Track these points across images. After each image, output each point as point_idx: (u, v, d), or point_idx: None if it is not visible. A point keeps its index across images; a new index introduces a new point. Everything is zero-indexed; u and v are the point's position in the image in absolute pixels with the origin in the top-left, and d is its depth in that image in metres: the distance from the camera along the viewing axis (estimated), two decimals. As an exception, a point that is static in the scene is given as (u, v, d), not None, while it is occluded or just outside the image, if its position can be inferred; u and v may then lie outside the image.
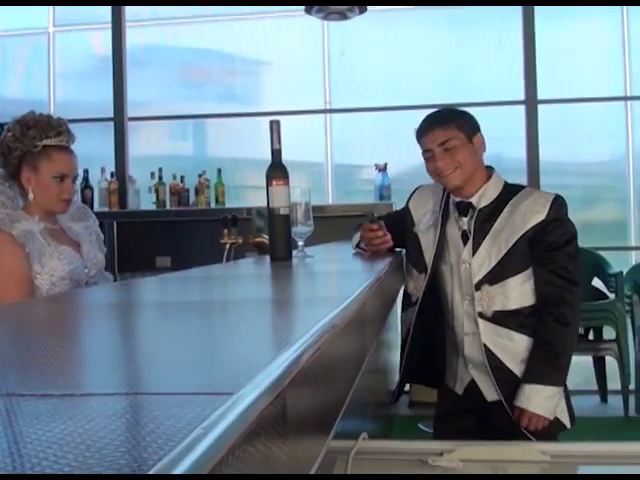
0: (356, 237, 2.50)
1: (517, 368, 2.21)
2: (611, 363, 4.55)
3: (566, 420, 2.26)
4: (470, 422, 2.32)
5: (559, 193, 2.27)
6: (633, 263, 5.15)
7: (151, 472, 0.36)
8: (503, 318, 2.21)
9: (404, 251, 2.52)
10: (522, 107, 5.18)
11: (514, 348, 2.21)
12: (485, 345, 2.21)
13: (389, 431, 3.62)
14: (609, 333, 4.57)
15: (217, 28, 5.62)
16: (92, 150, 5.37)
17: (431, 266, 2.31)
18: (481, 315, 2.21)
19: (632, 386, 4.47)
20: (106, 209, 5.20)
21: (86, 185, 5.17)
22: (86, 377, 0.64)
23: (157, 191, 5.22)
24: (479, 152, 2.26)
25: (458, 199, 2.29)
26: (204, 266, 2.08)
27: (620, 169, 5.33)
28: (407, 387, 3.95)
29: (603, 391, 4.73)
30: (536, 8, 5.11)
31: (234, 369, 0.61)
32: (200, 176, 5.19)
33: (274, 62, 5.62)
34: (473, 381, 2.29)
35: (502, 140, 4.84)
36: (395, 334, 3.87)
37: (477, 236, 2.24)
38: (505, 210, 2.23)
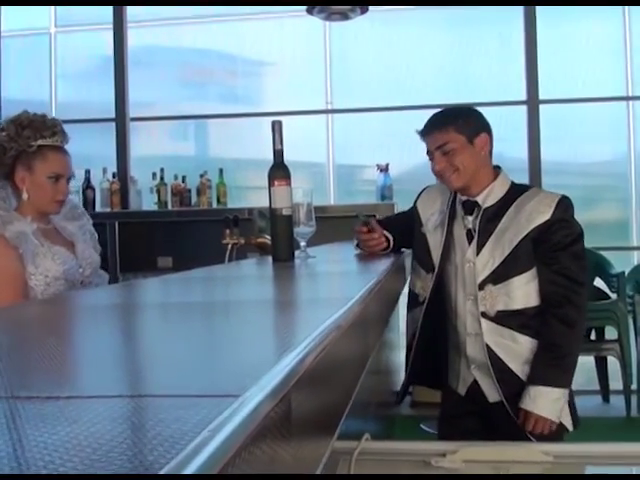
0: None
1: (519, 369, 2.19)
2: (613, 363, 4.55)
3: (569, 423, 2.24)
4: (473, 424, 2.31)
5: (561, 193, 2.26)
6: (635, 263, 5.15)
7: (160, 473, 0.36)
8: (506, 318, 2.20)
9: (407, 251, 2.52)
10: (524, 107, 5.18)
11: (517, 349, 2.20)
12: (487, 345, 2.20)
13: (391, 431, 3.62)
14: (611, 333, 4.56)
15: (219, 28, 5.61)
16: (94, 151, 5.40)
17: (438, 265, 2.31)
18: (484, 315, 2.20)
19: (634, 386, 4.47)
20: (108, 210, 5.20)
21: (88, 185, 5.18)
22: (91, 379, 0.63)
23: (159, 191, 5.21)
24: (482, 153, 2.24)
25: (464, 198, 2.29)
26: (206, 267, 2.07)
27: (622, 169, 5.32)
28: (410, 387, 3.94)
29: (605, 391, 4.73)
30: (538, 8, 5.10)
31: (239, 371, 0.61)
32: (202, 176, 5.18)
33: (276, 62, 5.61)
34: (476, 382, 2.29)
35: (504, 140, 4.78)
36: (397, 334, 3.87)
37: (482, 235, 2.23)
38: (510, 210, 2.22)
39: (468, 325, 2.26)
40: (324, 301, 1.29)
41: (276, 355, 0.65)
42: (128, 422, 0.47)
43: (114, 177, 5.28)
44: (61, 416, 0.47)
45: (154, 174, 5.23)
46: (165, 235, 5.09)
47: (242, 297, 1.40)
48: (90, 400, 0.53)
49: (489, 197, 2.25)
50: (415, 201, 2.47)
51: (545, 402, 2.14)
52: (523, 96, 5.18)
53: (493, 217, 2.23)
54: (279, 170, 2.17)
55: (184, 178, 5.21)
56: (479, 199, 2.26)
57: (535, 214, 2.18)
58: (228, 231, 3.32)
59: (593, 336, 4.69)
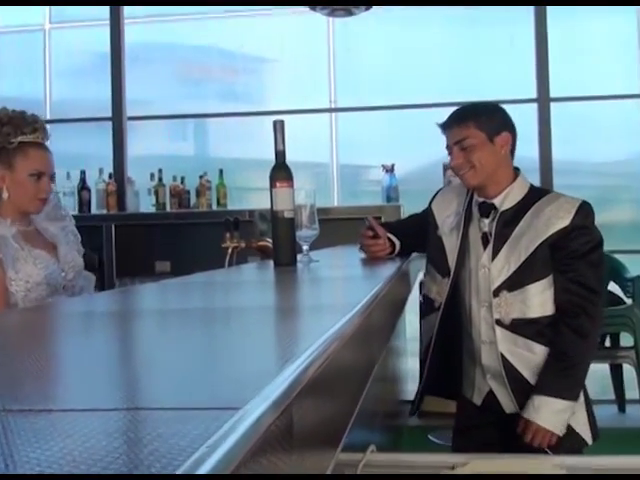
0: None
1: (535, 379, 2.16)
2: (629, 371, 4.47)
3: (588, 437, 2.21)
4: (490, 436, 2.29)
5: (572, 194, 2.26)
6: (651, 267, 5.08)
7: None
8: (521, 327, 2.17)
9: (413, 255, 2.53)
10: (534, 105, 5.15)
11: (533, 359, 2.17)
12: (502, 354, 2.18)
13: (398, 442, 3.58)
14: (627, 340, 4.49)
15: (218, 25, 5.61)
16: (89, 150, 5.45)
17: (454, 270, 2.29)
18: (499, 322, 2.18)
19: (651, 395, 4.41)
20: (104, 211, 5.20)
21: (83, 186, 5.17)
22: (85, 391, 0.62)
23: (157, 193, 5.19)
24: (502, 152, 2.23)
25: (481, 199, 2.28)
26: (205, 271, 2.11)
27: (636, 169, 5.30)
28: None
29: (621, 400, 4.66)
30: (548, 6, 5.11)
31: (239, 382, 0.62)
32: (201, 177, 5.15)
33: (277, 59, 5.60)
34: (491, 392, 2.26)
35: (514, 139, 4.81)
36: (404, 341, 3.86)
37: (497, 240, 2.23)
38: (528, 214, 2.21)
39: (482, 333, 2.24)
40: (328, 308, 1.30)
41: (278, 365, 0.65)
42: (124, 437, 0.47)
43: (110, 178, 5.26)
44: (54, 430, 0.47)
45: (152, 175, 5.20)
46: (163, 238, 5.08)
47: (242, 304, 1.41)
48: (85, 413, 0.53)
49: (507, 200, 2.23)
50: (430, 203, 2.46)
51: (548, 413, 2.10)
52: (534, 94, 5.15)
53: (510, 221, 2.21)
54: (281, 171, 2.18)
55: (183, 179, 5.18)
56: (496, 201, 2.24)
57: (554, 219, 2.16)
58: (228, 234, 3.32)
59: (608, 343, 4.62)
